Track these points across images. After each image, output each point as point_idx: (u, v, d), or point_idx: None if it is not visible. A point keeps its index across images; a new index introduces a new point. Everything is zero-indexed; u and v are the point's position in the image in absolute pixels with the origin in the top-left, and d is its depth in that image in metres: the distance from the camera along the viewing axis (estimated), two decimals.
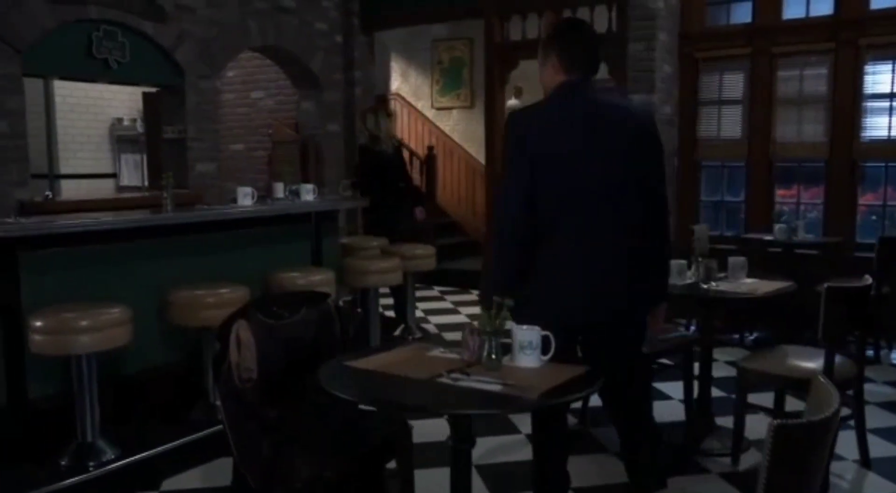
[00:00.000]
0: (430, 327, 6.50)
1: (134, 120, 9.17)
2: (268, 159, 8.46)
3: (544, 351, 2.31)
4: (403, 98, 10.19)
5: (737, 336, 5.98)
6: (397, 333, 5.60)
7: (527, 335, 2.29)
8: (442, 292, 8.21)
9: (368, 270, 4.83)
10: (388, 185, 5.96)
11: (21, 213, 5.13)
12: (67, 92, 8.74)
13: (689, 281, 3.81)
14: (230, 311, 3.70)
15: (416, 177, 9.29)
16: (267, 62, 8.34)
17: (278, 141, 8.28)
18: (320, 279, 4.30)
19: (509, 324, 2.27)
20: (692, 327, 6.34)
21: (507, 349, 2.28)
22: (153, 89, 6.81)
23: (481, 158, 9.51)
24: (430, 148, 8.71)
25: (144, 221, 3.92)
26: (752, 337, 6.07)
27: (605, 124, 2.46)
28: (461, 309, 7.44)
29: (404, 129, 10.04)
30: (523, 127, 2.49)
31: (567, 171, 2.42)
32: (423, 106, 10.17)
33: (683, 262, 3.85)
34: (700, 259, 3.88)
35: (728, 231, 6.79)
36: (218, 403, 3.84)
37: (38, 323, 3.19)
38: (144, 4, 5.88)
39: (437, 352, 2.44)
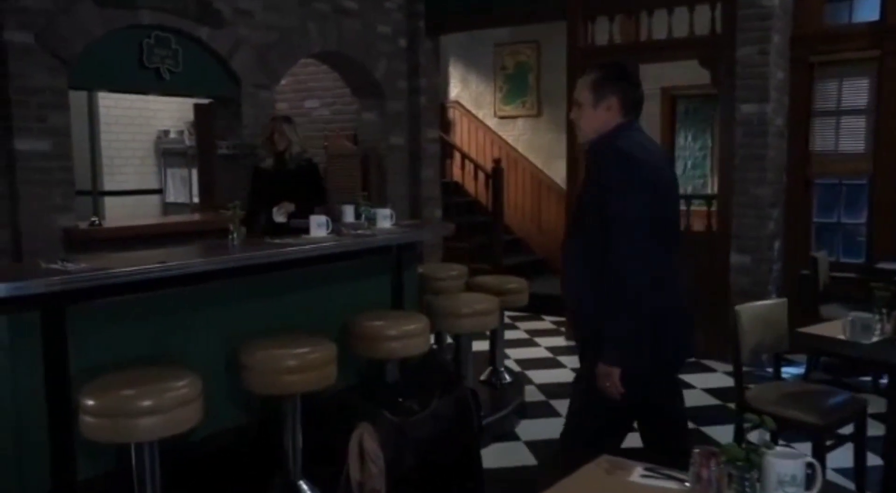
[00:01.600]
0: (511, 364, 5.83)
1: (181, 132, 8.62)
2: (323, 174, 7.84)
3: (808, 485, 1.64)
4: (463, 106, 9.52)
5: (868, 379, 5.21)
6: (483, 377, 4.93)
7: (788, 467, 1.61)
8: (511, 317, 7.52)
9: (462, 312, 4.16)
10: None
11: (66, 243, 4.60)
12: (112, 103, 8.23)
13: (877, 338, 3.09)
14: (316, 375, 3.15)
15: (482, 191, 8.67)
16: (322, 69, 7.76)
17: (335, 154, 7.66)
18: (413, 329, 3.63)
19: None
20: (803, 368, 5.58)
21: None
22: (206, 101, 6.24)
23: (549, 171, 8.87)
24: (497, 161, 8.04)
25: (214, 264, 3.29)
26: (884, 380, 5.29)
27: (671, 166, 2.61)
28: (538, 340, 6.76)
29: (464, 139, 9.38)
30: (643, 162, 2.36)
31: (666, 209, 2.46)
32: (485, 115, 9.49)
33: (869, 315, 3.14)
34: (885, 311, 3.17)
35: (845, 257, 6.02)
36: (301, 483, 3.25)
37: (90, 402, 2.58)
38: (200, 8, 5.30)
39: (642, 475, 1.78)
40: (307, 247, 3.66)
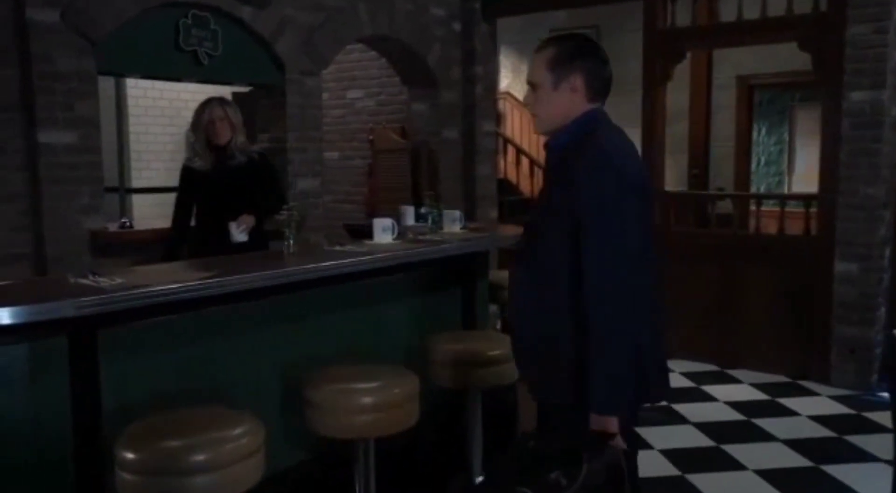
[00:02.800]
0: None
1: None
2: (368, 170, 7.30)
3: None
4: (515, 98, 8.91)
5: None
6: None
7: None
8: None
9: None
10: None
11: (93, 247, 4.09)
12: (140, 92, 7.72)
13: None
14: (396, 415, 2.59)
15: (537, 190, 8.07)
16: (366, 57, 7.21)
17: (380, 149, 7.10)
18: (500, 354, 3.06)
19: None
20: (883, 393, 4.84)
21: None
22: (245, 89, 5.71)
23: None
24: None
25: (277, 278, 2.73)
26: None
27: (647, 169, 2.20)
28: None
29: (516, 133, 8.77)
30: (628, 167, 1.95)
31: (648, 220, 2.06)
32: None
33: None
34: None
35: None
36: None
37: (129, 455, 2.04)
38: None
39: None
40: (381, 256, 3.08)
